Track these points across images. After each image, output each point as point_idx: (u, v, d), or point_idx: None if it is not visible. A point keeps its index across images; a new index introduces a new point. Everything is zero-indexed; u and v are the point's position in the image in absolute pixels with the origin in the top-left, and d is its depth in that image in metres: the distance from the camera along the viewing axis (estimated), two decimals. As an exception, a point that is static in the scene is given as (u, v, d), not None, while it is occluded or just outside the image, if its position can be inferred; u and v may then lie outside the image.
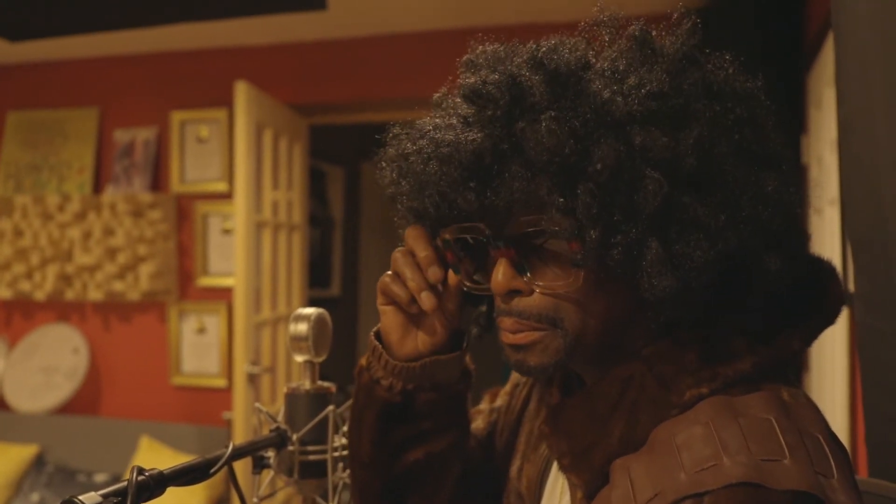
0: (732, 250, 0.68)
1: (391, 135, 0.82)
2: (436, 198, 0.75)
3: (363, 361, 0.91)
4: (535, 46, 0.73)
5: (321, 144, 4.33)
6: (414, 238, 0.84)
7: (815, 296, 0.76)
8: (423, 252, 0.82)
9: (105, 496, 0.63)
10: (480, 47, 0.80)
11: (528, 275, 0.74)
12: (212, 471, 0.76)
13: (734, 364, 0.71)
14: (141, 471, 0.67)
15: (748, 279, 0.71)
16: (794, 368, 0.78)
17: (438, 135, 0.74)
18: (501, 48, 0.78)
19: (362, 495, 0.94)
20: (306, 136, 3.73)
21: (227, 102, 3.48)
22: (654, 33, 0.73)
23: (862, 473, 1.20)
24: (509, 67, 0.71)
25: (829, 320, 0.76)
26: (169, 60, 3.79)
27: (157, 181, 3.79)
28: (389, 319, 0.87)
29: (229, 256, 3.61)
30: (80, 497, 0.61)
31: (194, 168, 3.73)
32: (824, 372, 2.30)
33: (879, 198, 1.05)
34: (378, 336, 0.90)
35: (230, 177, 3.60)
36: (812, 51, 2.48)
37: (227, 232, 3.66)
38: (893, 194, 1.03)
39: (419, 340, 0.87)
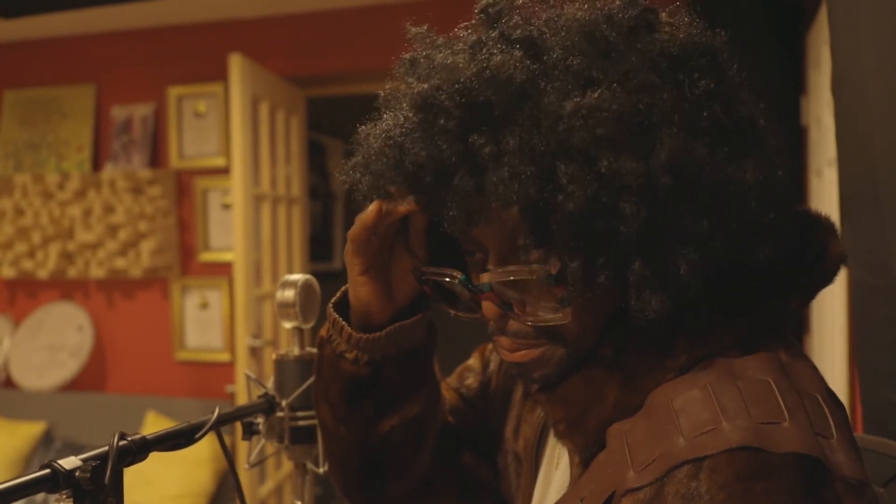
0: (720, 252, 0.66)
1: (357, 139, 0.80)
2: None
3: (323, 333, 0.87)
4: (483, 55, 0.68)
5: (320, 117, 4.30)
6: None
7: (814, 254, 0.74)
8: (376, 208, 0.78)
9: (85, 460, 0.63)
10: (418, 41, 0.76)
11: (515, 311, 0.72)
12: (196, 436, 0.76)
13: (730, 326, 0.70)
14: (123, 435, 0.67)
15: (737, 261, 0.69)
16: (792, 327, 0.77)
17: (389, 152, 0.72)
18: (441, 44, 0.74)
19: (341, 469, 0.91)
20: (304, 108, 3.70)
21: (223, 76, 3.45)
22: (602, 10, 0.67)
23: (859, 430, 1.20)
24: (461, 79, 0.66)
25: (828, 279, 0.74)
26: (164, 35, 3.76)
27: (156, 157, 3.78)
28: (369, 289, 0.82)
29: (230, 231, 3.59)
30: (60, 461, 0.61)
31: (193, 143, 3.71)
32: (824, 332, 2.29)
33: (871, 153, 1.04)
34: (337, 307, 0.86)
35: (229, 151, 3.58)
36: (811, 10, 2.45)
37: (227, 207, 3.65)
38: (884, 149, 1.02)
39: (398, 300, 0.84)
